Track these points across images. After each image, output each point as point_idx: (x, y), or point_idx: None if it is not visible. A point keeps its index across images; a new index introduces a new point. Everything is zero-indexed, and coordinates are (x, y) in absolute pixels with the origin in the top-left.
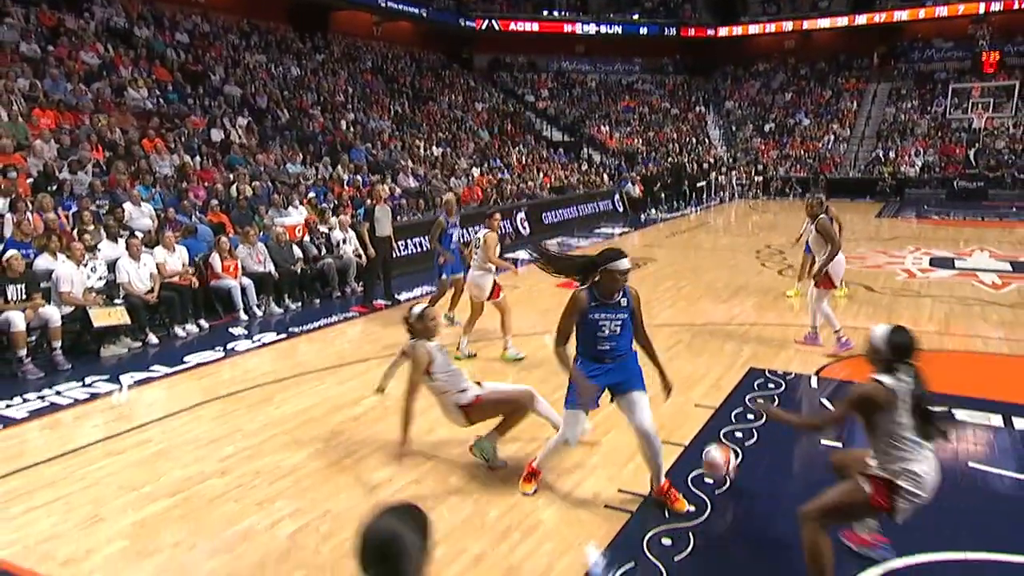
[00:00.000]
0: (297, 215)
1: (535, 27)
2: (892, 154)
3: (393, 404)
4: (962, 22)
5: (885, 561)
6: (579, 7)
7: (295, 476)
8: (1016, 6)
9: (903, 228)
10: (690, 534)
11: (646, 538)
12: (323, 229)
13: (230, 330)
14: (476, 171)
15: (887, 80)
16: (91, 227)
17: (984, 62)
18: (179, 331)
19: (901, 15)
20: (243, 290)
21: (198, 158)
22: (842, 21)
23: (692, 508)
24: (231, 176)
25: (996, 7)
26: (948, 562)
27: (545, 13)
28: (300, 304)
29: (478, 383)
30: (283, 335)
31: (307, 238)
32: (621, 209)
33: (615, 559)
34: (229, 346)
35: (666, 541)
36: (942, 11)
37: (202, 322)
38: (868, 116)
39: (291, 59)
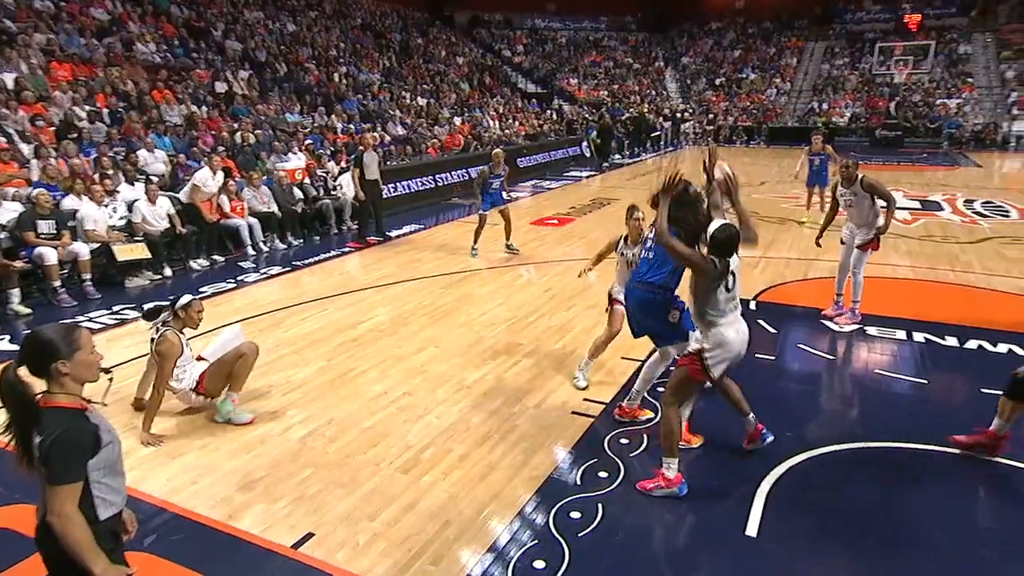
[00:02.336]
0: (296, 160)
1: None
2: (825, 106)
3: (387, 328)
4: None
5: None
6: None
7: (303, 389)
8: None
9: (833, 172)
10: (644, 435)
11: (606, 438)
12: (320, 173)
13: (240, 264)
14: (457, 120)
15: (823, 39)
16: (111, 171)
17: (907, 23)
18: (194, 265)
19: None
20: (250, 228)
21: (204, 108)
22: None
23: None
24: (235, 125)
25: None
26: (852, 450)
27: None
28: (302, 240)
29: (199, 357)
30: (287, 268)
31: (307, 180)
32: (588, 155)
33: (580, 456)
34: (239, 278)
35: (624, 440)
36: None
37: (215, 257)
38: (806, 72)
39: (287, 15)
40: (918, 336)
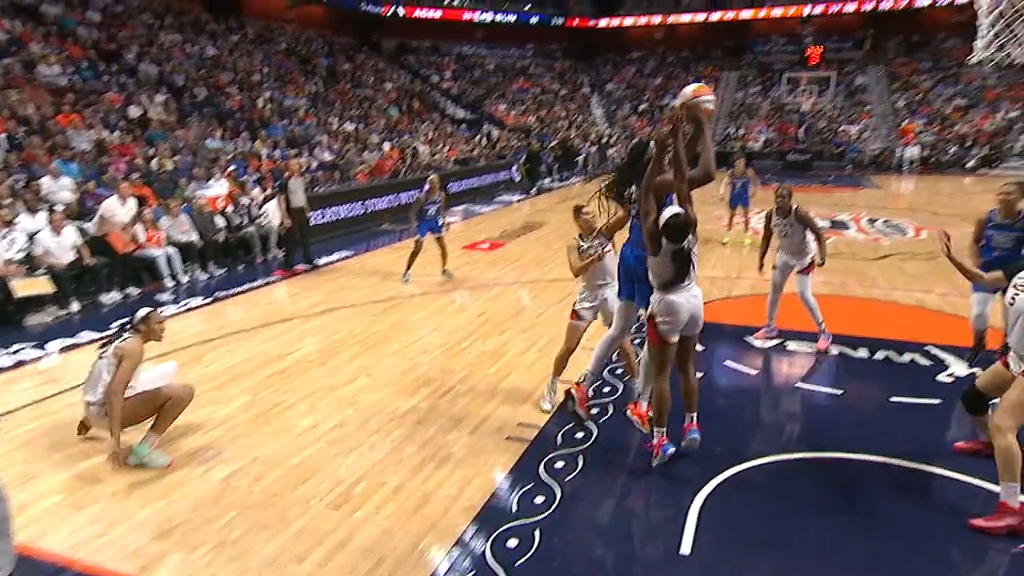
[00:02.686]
0: (218, 187)
1: (438, 14)
2: (741, 131)
3: (317, 358)
4: (792, 22)
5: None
6: None
7: (226, 427)
8: (830, 11)
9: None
10: (579, 457)
11: (542, 463)
12: (244, 200)
13: (156, 297)
14: (387, 145)
15: (736, 69)
16: (7, 200)
17: (810, 56)
18: (104, 299)
19: (746, 14)
20: (168, 259)
21: (116, 133)
22: (700, 17)
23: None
24: (151, 151)
25: (817, 11)
26: (779, 462)
27: (446, 2)
28: (225, 270)
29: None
30: (209, 299)
31: (230, 208)
32: (518, 179)
33: (516, 482)
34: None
35: (559, 464)
36: (777, 12)
37: (130, 290)
38: (722, 99)
39: (206, 39)
40: (833, 349)
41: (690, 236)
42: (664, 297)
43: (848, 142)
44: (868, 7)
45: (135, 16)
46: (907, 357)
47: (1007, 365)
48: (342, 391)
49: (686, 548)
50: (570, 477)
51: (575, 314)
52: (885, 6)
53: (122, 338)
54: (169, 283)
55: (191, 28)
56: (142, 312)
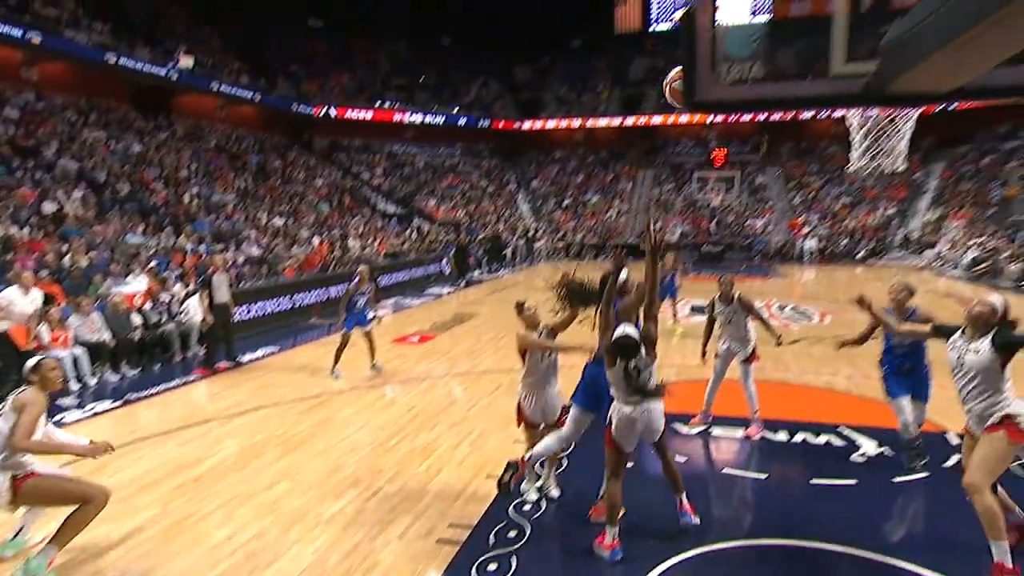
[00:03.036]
0: (137, 283)
1: (369, 115)
2: (658, 224)
3: (235, 462)
4: (698, 127)
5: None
6: (408, 100)
7: (127, 545)
8: (730, 119)
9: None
10: (513, 557)
11: (474, 566)
12: (164, 297)
13: (58, 402)
14: (316, 239)
15: (651, 168)
16: None
17: (715, 157)
18: None
19: (657, 119)
20: (75, 360)
21: (27, 229)
22: (616, 121)
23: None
24: (64, 247)
25: (719, 118)
26: (711, 552)
27: (377, 104)
28: (139, 370)
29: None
30: (119, 402)
31: (148, 305)
32: (448, 272)
33: None
34: (57, 418)
35: (492, 566)
36: (684, 118)
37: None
38: (640, 195)
39: (133, 136)
40: (718, 428)
41: (641, 355)
42: (620, 408)
43: (755, 235)
44: (763, 117)
45: (57, 113)
46: (823, 439)
47: (969, 433)
48: (262, 497)
49: None
50: None
51: (528, 422)
52: (775, 117)
53: (17, 391)
54: (74, 386)
55: (116, 125)
56: (31, 362)
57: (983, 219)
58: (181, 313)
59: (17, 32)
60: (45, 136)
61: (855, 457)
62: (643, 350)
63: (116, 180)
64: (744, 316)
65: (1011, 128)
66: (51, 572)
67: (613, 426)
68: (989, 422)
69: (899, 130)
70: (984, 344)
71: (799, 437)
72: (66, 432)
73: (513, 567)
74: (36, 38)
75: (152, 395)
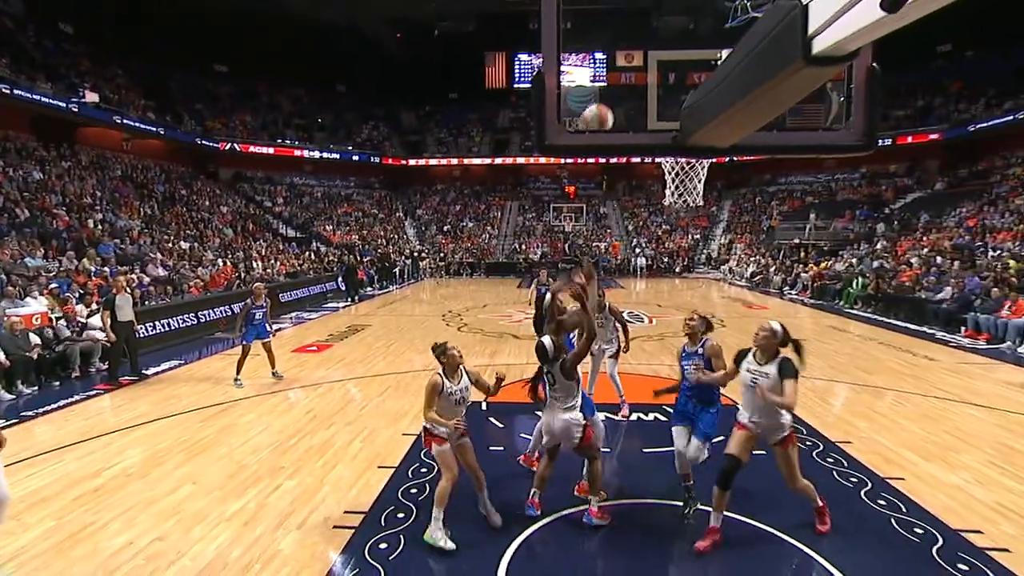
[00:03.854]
0: (36, 304)
1: (271, 151)
2: (524, 246)
3: (137, 471)
4: (553, 167)
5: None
6: (307, 138)
7: (17, 561)
8: (578, 161)
9: (533, 294)
10: (401, 536)
11: (367, 547)
12: (76, 316)
13: None
14: (221, 261)
15: (517, 199)
16: None
17: (567, 192)
18: None
19: (520, 160)
20: None
21: None
22: (487, 160)
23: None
24: None
25: (569, 161)
26: (570, 514)
27: (279, 141)
28: (36, 388)
29: None
30: (14, 420)
31: (49, 325)
32: (344, 288)
33: (342, 568)
34: None
35: (383, 545)
36: (542, 160)
37: None
38: (508, 221)
39: (33, 164)
40: (600, 414)
41: (550, 363)
42: (545, 415)
43: (600, 254)
44: (602, 161)
45: None
46: (651, 416)
47: (746, 428)
48: (164, 503)
49: None
50: (394, 556)
51: (437, 439)
52: (613, 162)
53: None
54: None
55: (16, 154)
56: None
57: (758, 242)
58: (84, 330)
59: None
60: None
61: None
62: (558, 361)
63: (14, 206)
64: (612, 321)
65: (772, 176)
66: None
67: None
68: (780, 436)
69: (698, 174)
70: (772, 369)
71: (634, 416)
72: None
73: (402, 544)
74: None
75: (49, 411)
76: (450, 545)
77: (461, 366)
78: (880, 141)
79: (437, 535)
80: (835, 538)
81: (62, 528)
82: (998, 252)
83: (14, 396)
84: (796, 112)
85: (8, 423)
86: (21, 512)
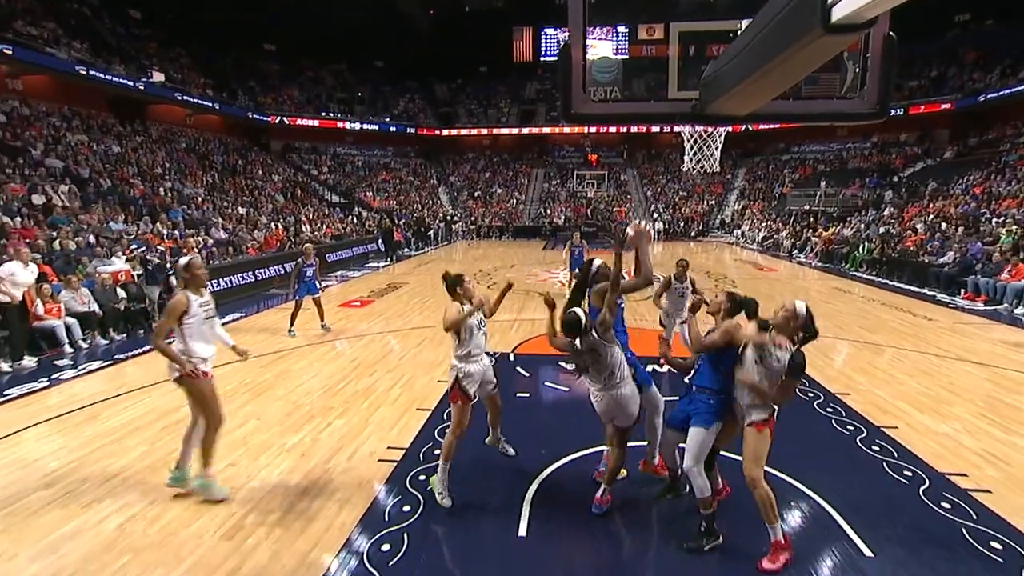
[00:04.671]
0: (120, 263)
1: (316, 123)
2: (548, 211)
3: None
4: (577, 136)
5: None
6: (348, 111)
7: (122, 476)
8: (601, 130)
9: (557, 256)
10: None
11: (407, 478)
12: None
13: (56, 363)
14: (274, 225)
15: (542, 167)
16: None
17: (590, 160)
18: (3, 366)
19: (546, 130)
20: (67, 328)
21: (18, 219)
22: (515, 130)
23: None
24: (54, 233)
25: (592, 130)
26: (586, 456)
27: (323, 114)
28: (125, 336)
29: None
30: (109, 362)
31: (132, 281)
32: (384, 249)
33: (387, 496)
34: (54, 376)
35: (421, 477)
36: (566, 129)
37: (25, 360)
38: (534, 188)
39: (112, 139)
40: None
41: (584, 335)
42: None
43: (620, 219)
44: (623, 130)
45: (42, 119)
46: (649, 368)
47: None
48: (234, 435)
49: (523, 531)
50: (431, 487)
51: (464, 396)
52: (634, 131)
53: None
54: (69, 349)
55: (98, 130)
56: (183, 260)
57: (770, 208)
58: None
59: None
60: (31, 138)
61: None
62: (593, 331)
63: (98, 176)
64: (690, 290)
65: (785, 146)
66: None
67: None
68: (755, 417)
69: (715, 141)
70: (785, 357)
71: (649, 367)
72: (222, 330)
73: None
74: (9, 50)
75: (138, 355)
76: (447, 502)
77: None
78: (892, 111)
79: (439, 487)
80: (830, 478)
81: (154, 452)
82: (1002, 219)
83: (108, 341)
84: (812, 81)
85: (105, 364)
86: (122, 438)
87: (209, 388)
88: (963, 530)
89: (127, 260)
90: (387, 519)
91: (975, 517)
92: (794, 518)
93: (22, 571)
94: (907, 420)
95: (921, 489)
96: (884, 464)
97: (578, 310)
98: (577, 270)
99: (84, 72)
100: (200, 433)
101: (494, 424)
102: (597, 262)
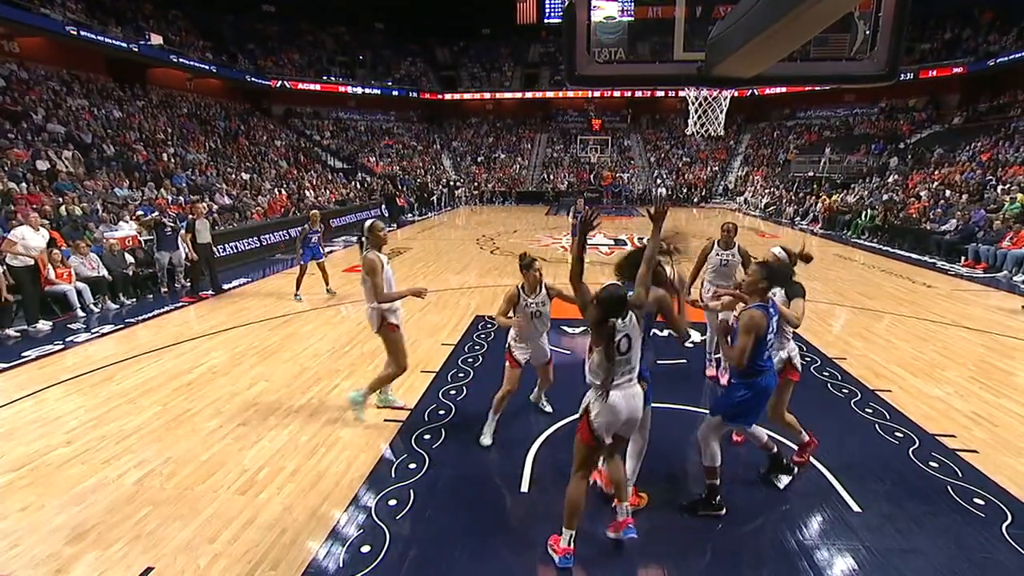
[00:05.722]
0: (128, 228)
1: (317, 87)
2: (552, 176)
3: (221, 369)
4: (581, 101)
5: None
6: (349, 75)
7: (138, 435)
8: (604, 95)
9: (560, 221)
10: (442, 430)
11: (413, 437)
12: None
13: (69, 326)
14: (277, 191)
15: (546, 132)
16: None
17: (594, 124)
18: (11, 332)
19: (550, 94)
20: (79, 292)
21: (24, 184)
22: (518, 95)
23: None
24: (60, 199)
25: (596, 95)
26: None
27: (324, 78)
28: (134, 300)
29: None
30: (120, 326)
31: (139, 246)
32: (387, 214)
33: (393, 453)
34: (68, 339)
35: (426, 436)
36: (570, 94)
37: (40, 324)
38: (537, 153)
39: (112, 104)
40: None
41: (629, 317)
42: (597, 393)
43: (623, 184)
44: (627, 95)
45: (41, 83)
46: (665, 332)
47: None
48: (244, 395)
49: (525, 487)
50: (436, 445)
51: (513, 360)
52: (638, 95)
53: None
54: (81, 313)
55: (98, 94)
56: (366, 224)
57: (773, 175)
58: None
59: None
60: (32, 103)
61: (687, 344)
62: (631, 315)
63: (101, 142)
64: (742, 263)
65: (790, 112)
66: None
67: (593, 416)
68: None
69: (720, 104)
70: (781, 295)
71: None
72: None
73: (443, 435)
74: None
75: (148, 319)
76: (487, 440)
77: (542, 283)
78: (902, 75)
79: (487, 429)
80: (823, 439)
81: (168, 412)
82: (1007, 186)
83: (118, 306)
84: (820, 42)
85: (116, 327)
86: (136, 398)
87: (399, 338)
88: (948, 487)
89: (140, 224)
90: (393, 476)
91: (960, 475)
92: (787, 477)
93: (51, 520)
94: (900, 384)
95: (911, 449)
96: (876, 426)
97: (619, 288)
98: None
99: (75, 32)
100: (387, 370)
101: (541, 387)
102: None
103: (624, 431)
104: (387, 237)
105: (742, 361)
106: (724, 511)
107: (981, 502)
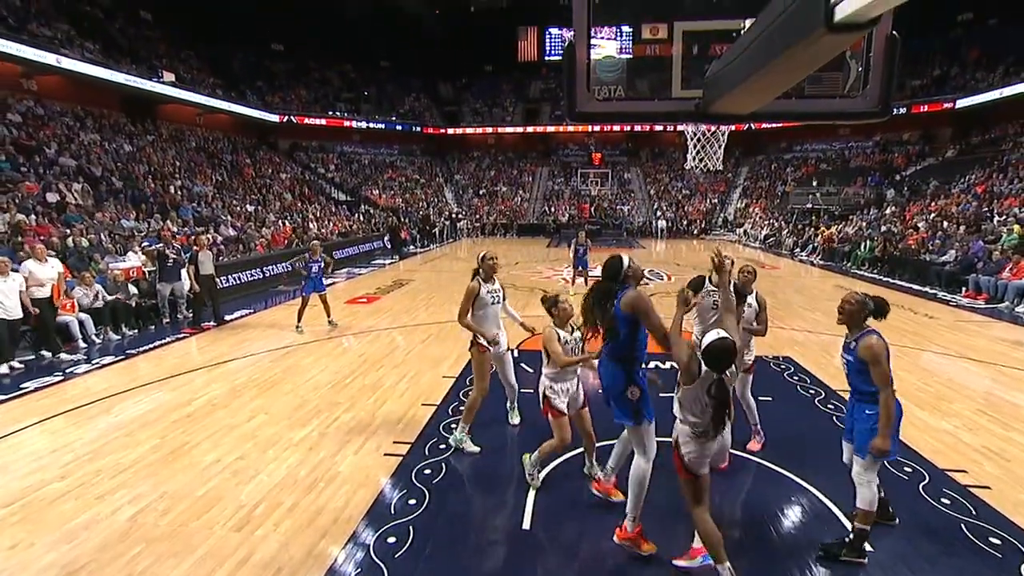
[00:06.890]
0: (135, 259)
1: (323, 122)
2: (553, 209)
3: (220, 401)
4: (581, 135)
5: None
6: (355, 110)
7: (134, 469)
8: (605, 129)
9: (561, 253)
10: (443, 464)
11: (413, 472)
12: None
13: (70, 357)
14: (281, 222)
15: (547, 165)
16: None
17: (594, 158)
18: (12, 365)
19: (550, 128)
20: (81, 324)
21: (33, 216)
22: (519, 129)
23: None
24: (67, 231)
25: (596, 129)
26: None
27: (330, 113)
28: (136, 331)
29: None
30: (121, 357)
31: (144, 277)
32: (390, 247)
33: (393, 489)
34: (68, 371)
35: (427, 471)
36: (571, 128)
37: (43, 353)
38: (539, 186)
39: (123, 138)
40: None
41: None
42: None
43: (623, 217)
44: (627, 129)
45: (56, 118)
46: (668, 365)
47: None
48: (243, 428)
49: (527, 524)
50: (436, 480)
51: (555, 411)
52: (637, 129)
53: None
54: (82, 344)
55: (110, 129)
56: (481, 254)
57: (772, 207)
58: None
59: (15, 49)
60: (45, 138)
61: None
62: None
63: (111, 175)
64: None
65: (788, 144)
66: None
67: (683, 449)
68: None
69: (719, 139)
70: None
71: (652, 364)
72: (511, 309)
73: (444, 470)
74: (29, 53)
75: (148, 350)
76: (536, 482)
77: (571, 319)
78: (895, 110)
79: (529, 467)
80: (829, 474)
81: (165, 445)
82: (1004, 217)
83: (120, 336)
84: (815, 80)
85: (117, 359)
86: (134, 431)
87: (485, 360)
88: (962, 526)
89: (146, 255)
90: (393, 512)
91: (974, 513)
92: (795, 513)
93: (39, 559)
94: (907, 417)
95: (921, 485)
96: (884, 460)
97: (723, 333)
98: (581, 267)
99: (94, 73)
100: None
101: (589, 454)
102: (626, 259)
103: (714, 461)
104: (495, 268)
105: (886, 383)
106: (866, 560)
107: (997, 541)
